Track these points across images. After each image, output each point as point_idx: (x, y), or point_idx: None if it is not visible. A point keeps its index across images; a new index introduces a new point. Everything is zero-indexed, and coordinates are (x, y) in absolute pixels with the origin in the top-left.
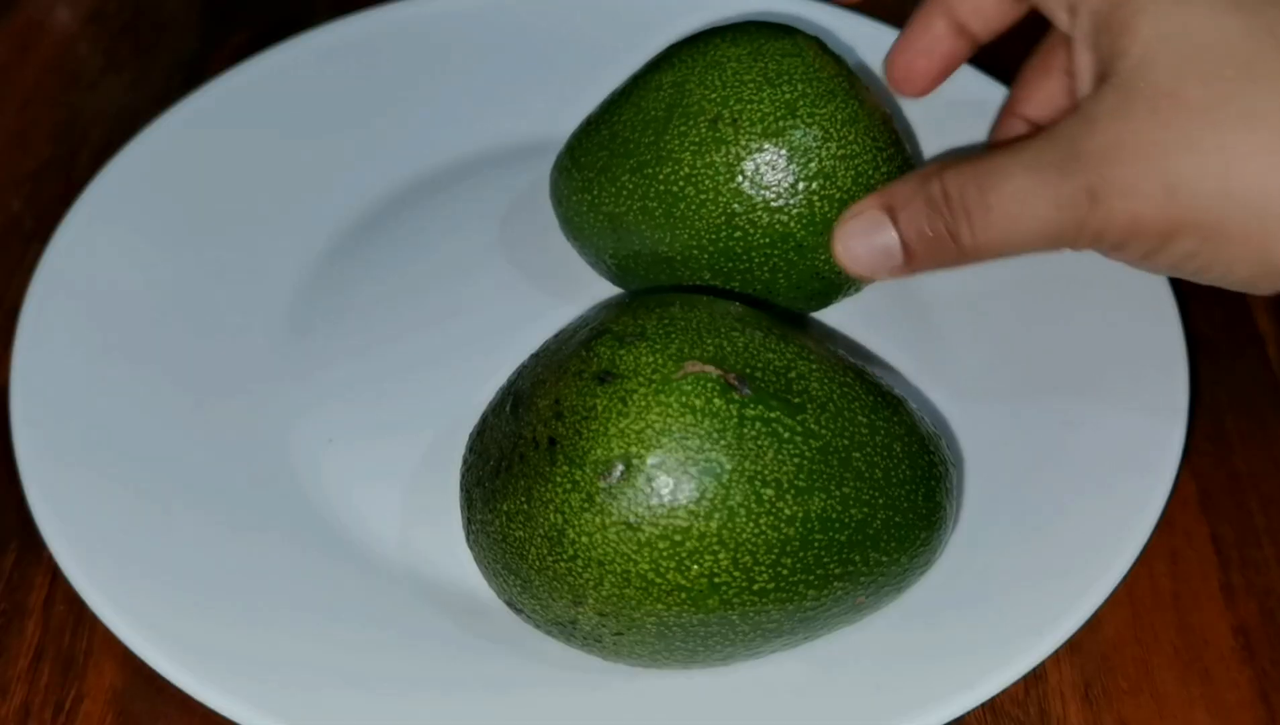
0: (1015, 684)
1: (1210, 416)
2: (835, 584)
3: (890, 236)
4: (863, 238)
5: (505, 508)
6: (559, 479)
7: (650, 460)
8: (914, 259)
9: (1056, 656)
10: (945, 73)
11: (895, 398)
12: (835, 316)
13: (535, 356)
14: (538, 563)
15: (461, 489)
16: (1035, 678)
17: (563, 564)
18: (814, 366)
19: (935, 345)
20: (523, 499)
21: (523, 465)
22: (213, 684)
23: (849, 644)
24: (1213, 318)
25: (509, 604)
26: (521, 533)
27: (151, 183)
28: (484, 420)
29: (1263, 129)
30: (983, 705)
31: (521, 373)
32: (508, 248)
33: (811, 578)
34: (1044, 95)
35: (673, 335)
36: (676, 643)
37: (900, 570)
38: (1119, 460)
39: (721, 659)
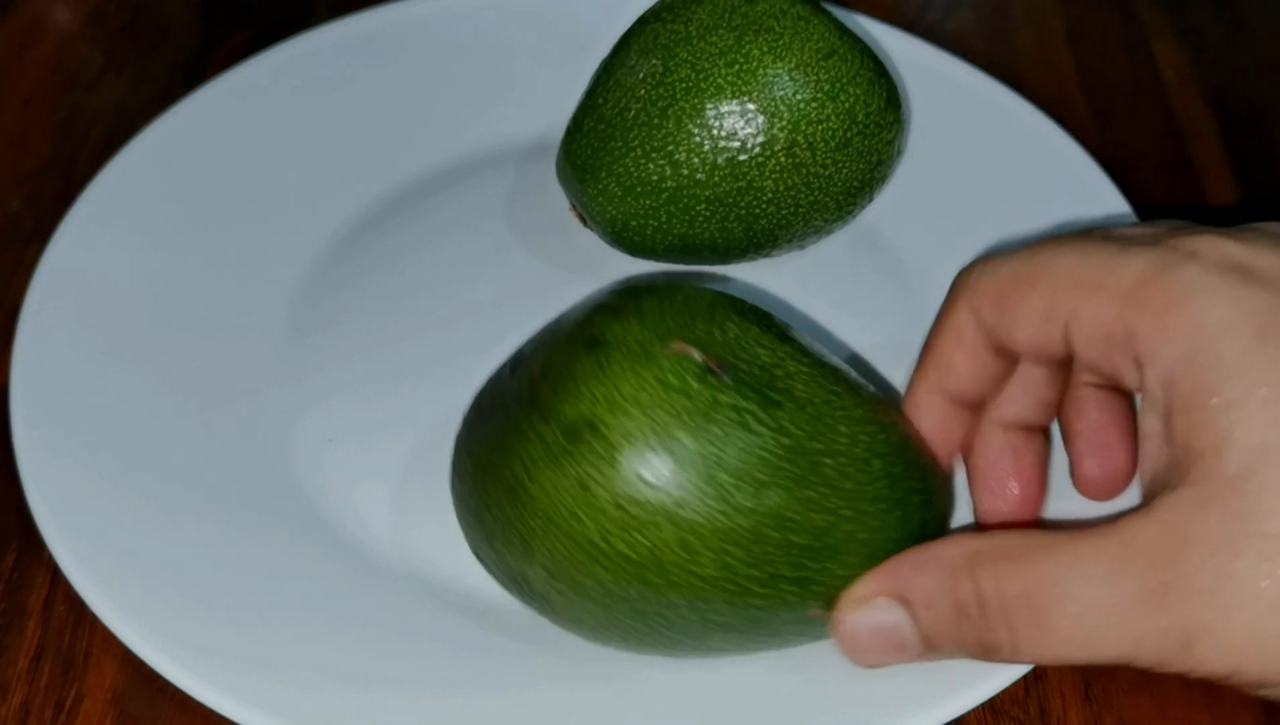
0: (1016, 683)
1: None
2: (785, 587)
3: (906, 629)
4: (872, 629)
5: (481, 456)
6: (528, 432)
7: (614, 426)
8: (936, 652)
9: None
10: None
11: (885, 420)
12: (837, 320)
13: (546, 326)
14: (499, 513)
15: (456, 440)
16: (1035, 677)
17: (519, 517)
18: (804, 369)
19: None
20: (497, 450)
21: (504, 418)
22: (213, 684)
23: None
24: None
25: (475, 554)
26: (490, 482)
27: (151, 183)
28: (489, 379)
29: None
30: (983, 705)
31: (530, 339)
32: (509, 247)
33: (759, 574)
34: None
35: (666, 316)
36: (621, 616)
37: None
38: None
39: (669, 646)
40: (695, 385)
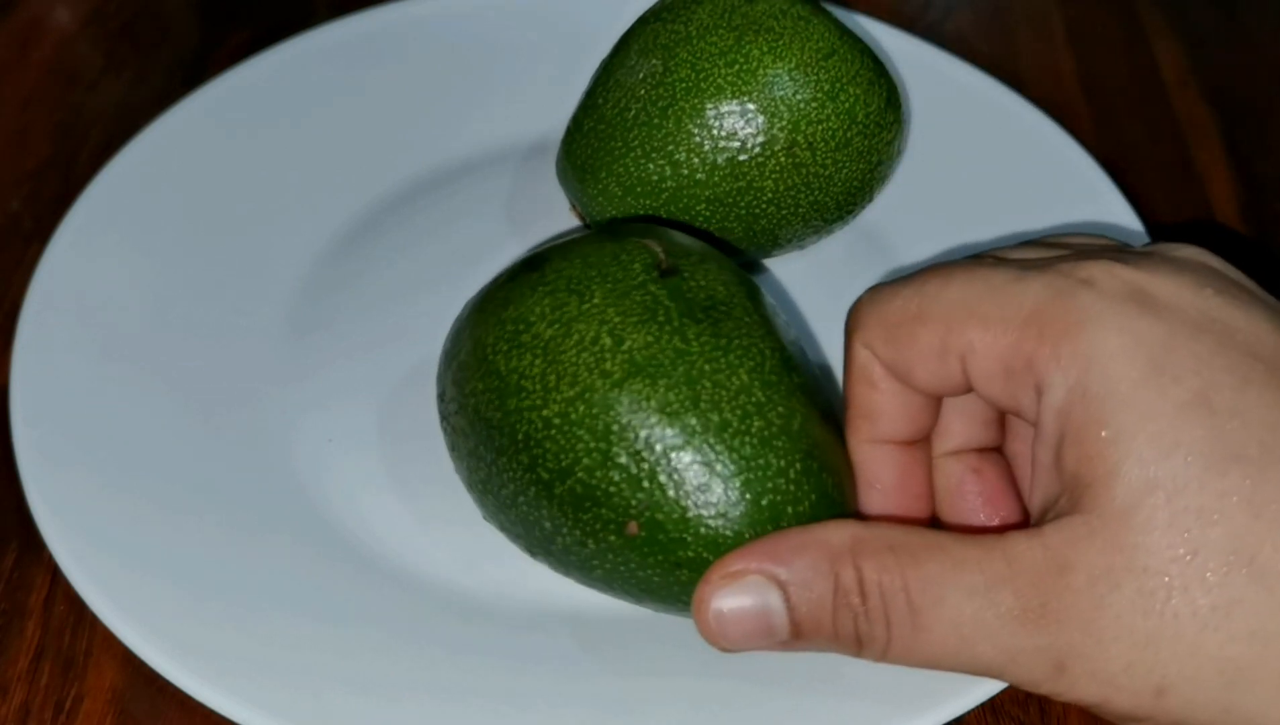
0: None
1: None
2: (614, 473)
3: (776, 613)
4: (739, 610)
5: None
6: (513, 268)
7: (554, 264)
8: (803, 640)
9: None
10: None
11: (805, 410)
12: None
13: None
14: (456, 333)
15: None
16: None
17: (462, 329)
18: (746, 319)
19: None
20: (492, 285)
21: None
22: (213, 684)
23: None
24: None
25: (437, 384)
26: (476, 304)
27: (151, 183)
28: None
29: (1274, 650)
30: (983, 705)
31: None
32: (509, 247)
33: (594, 443)
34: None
35: (665, 230)
36: (482, 449)
37: (679, 521)
38: None
39: (511, 509)
40: (637, 267)
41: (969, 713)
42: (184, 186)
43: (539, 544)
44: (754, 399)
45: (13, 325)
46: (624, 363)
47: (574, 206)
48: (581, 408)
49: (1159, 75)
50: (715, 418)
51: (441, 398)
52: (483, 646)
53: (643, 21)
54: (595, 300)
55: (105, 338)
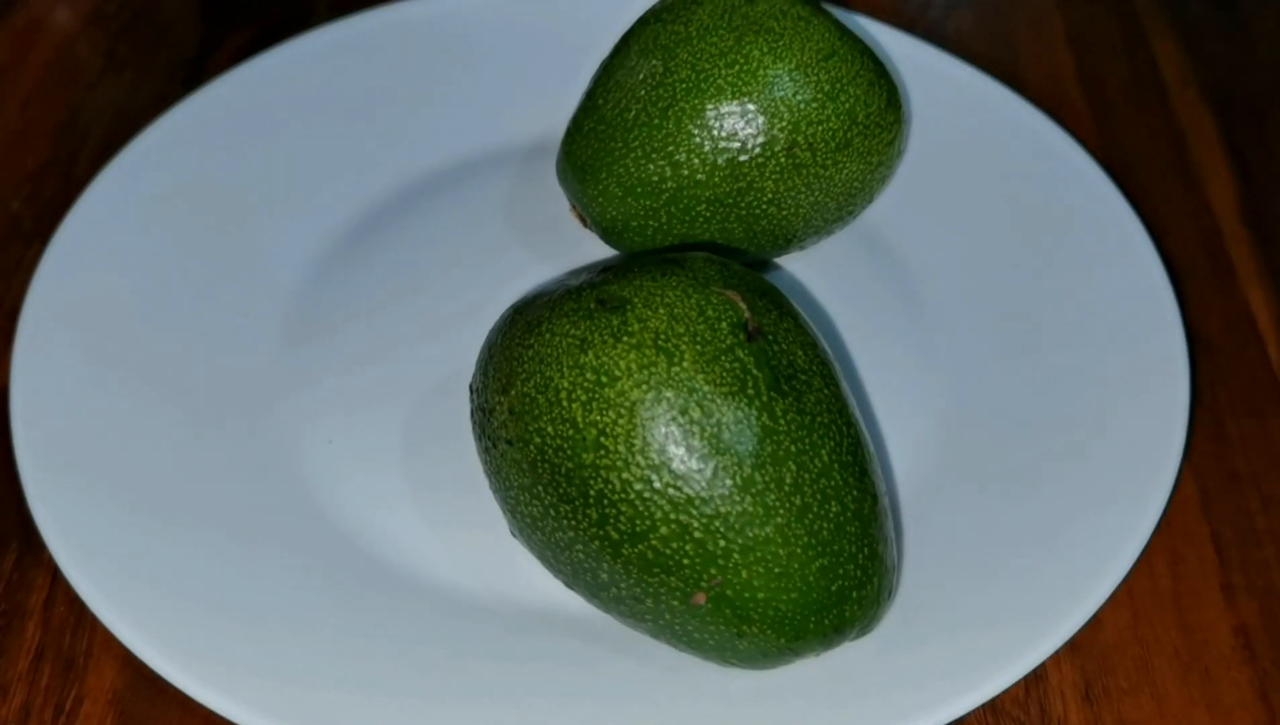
0: (1016, 684)
1: (1210, 416)
2: (688, 545)
3: None
4: None
5: (525, 303)
6: (575, 293)
7: (638, 313)
8: None
9: (1057, 656)
10: None
11: (874, 491)
12: (837, 320)
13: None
14: (506, 344)
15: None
16: (1036, 678)
17: (519, 351)
18: (825, 391)
19: (938, 343)
20: (544, 301)
21: (566, 288)
22: (213, 685)
23: (850, 645)
24: (1213, 318)
25: (470, 386)
26: (520, 320)
27: (151, 183)
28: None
29: None
30: (983, 705)
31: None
32: (509, 248)
33: (673, 514)
34: None
35: (744, 275)
36: (540, 490)
37: (749, 600)
38: (1119, 460)
39: (559, 550)
40: (725, 327)
41: (969, 713)
42: (184, 187)
43: (585, 585)
44: (833, 482)
45: (13, 325)
46: (711, 438)
47: (574, 207)
48: (665, 477)
49: (1159, 75)
50: (798, 501)
51: (484, 412)
52: (484, 648)
53: (643, 22)
54: (685, 363)
55: (105, 338)
